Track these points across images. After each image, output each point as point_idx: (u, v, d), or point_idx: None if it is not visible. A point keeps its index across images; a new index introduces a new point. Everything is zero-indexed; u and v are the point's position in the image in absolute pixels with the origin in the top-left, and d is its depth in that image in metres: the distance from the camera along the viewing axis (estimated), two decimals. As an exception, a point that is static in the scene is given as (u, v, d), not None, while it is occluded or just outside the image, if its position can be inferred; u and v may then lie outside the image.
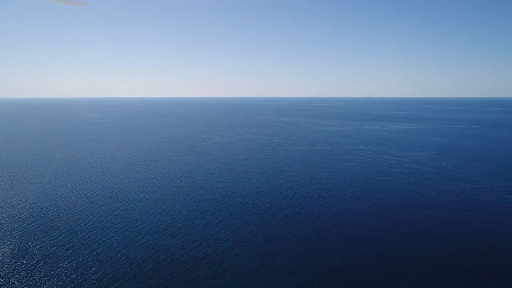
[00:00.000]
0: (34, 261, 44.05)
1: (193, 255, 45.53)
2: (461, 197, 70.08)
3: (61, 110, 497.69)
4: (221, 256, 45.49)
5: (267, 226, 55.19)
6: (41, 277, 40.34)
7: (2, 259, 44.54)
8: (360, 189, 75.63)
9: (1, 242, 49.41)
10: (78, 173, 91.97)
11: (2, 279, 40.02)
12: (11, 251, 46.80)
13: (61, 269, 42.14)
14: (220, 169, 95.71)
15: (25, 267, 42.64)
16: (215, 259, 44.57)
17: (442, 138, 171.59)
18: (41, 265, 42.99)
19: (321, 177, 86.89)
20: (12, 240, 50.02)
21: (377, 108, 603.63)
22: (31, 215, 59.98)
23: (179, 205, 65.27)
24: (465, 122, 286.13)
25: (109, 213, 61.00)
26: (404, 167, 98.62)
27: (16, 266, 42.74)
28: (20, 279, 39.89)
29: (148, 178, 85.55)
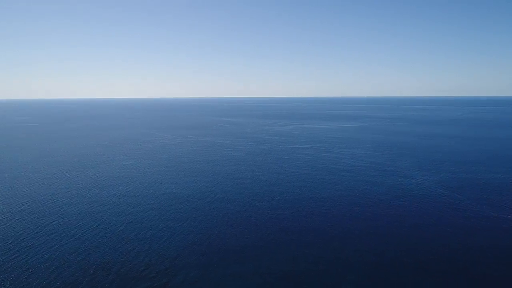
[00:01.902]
0: None
1: (134, 268, 43.01)
2: (397, 190, 74.51)
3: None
4: (165, 265, 43.53)
5: (213, 232, 54.03)
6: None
7: None
8: (306, 188, 77.28)
9: None
10: None
11: None
12: None
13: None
14: (163, 174, 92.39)
15: None
16: (158, 269, 42.51)
17: (376, 135, 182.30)
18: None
19: (267, 177, 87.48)
20: None
21: (320, 107, 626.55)
22: None
23: (118, 215, 61.59)
24: (398, 119, 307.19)
25: (37, 230, 55.72)
26: (344, 164, 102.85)
27: None
28: None
29: (83, 187, 79.86)
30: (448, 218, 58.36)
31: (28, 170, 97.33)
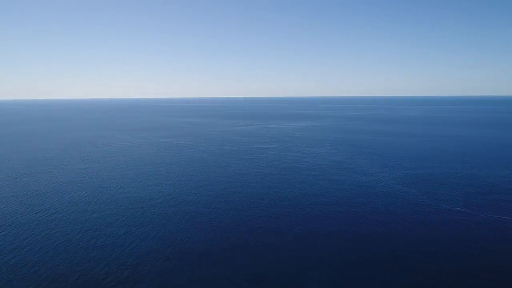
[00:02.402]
0: None
1: (93, 278, 40.79)
2: (358, 188, 76.61)
3: None
4: (126, 273, 41.68)
5: (177, 236, 52.59)
6: None
7: None
8: (270, 189, 77.45)
9: None
10: None
11: None
12: None
13: None
14: (122, 177, 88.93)
15: None
16: (119, 278, 40.61)
17: (337, 134, 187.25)
18: None
19: (230, 178, 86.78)
20: None
21: (282, 107, 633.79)
22: None
23: (74, 223, 58.35)
24: (356, 119, 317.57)
25: (-17, 239, 51.46)
26: (307, 163, 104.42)
27: None
28: None
29: (35, 194, 75.00)
30: (408, 213, 60.79)
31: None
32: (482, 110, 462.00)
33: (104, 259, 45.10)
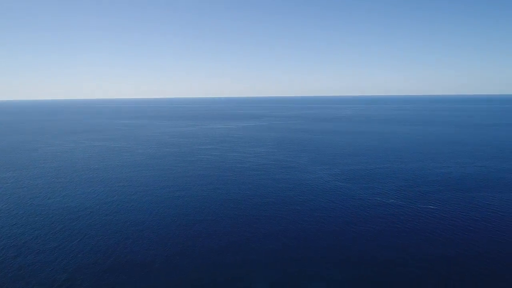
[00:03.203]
0: None
1: (19, 300, 36.50)
2: (301, 186, 78.36)
3: None
4: (59, 292, 37.97)
5: (117, 247, 49.24)
6: None
7: None
8: (214, 191, 76.13)
9: None
10: None
11: None
12: None
13: None
14: (51, 186, 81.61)
15: None
16: (50, 299, 36.84)
17: (278, 133, 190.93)
18: None
19: (172, 182, 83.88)
20: None
21: (224, 107, 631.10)
22: None
23: (-5, 237, 52.03)
24: (295, 118, 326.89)
25: None
26: (250, 163, 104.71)
27: None
28: None
29: None
30: (348, 208, 63.40)
31: None
32: (418, 108, 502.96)
33: (33, 277, 40.68)
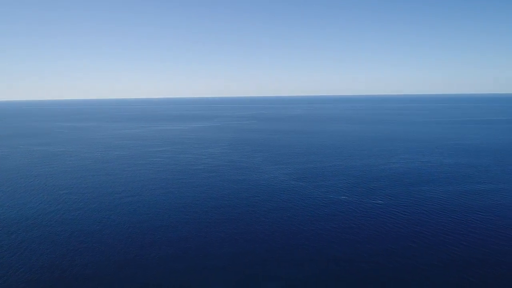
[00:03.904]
0: None
1: None
2: (256, 186, 78.26)
3: None
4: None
5: (61, 262, 45.64)
6: None
7: None
8: (167, 195, 73.61)
9: None
10: None
11: None
12: None
13: None
14: (-16, 196, 74.11)
15: None
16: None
17: (231, 133, 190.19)
18: None
19: (122, 187, 79.90)
20: None
21: (174, 108, 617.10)
22: None
23: None
24: (249, 118, 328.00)
25: None
26: (204, 164, 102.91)
27: None
28: None
29: None
30: (304, 207, 64.29)
31: None
32: (367, 107, 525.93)
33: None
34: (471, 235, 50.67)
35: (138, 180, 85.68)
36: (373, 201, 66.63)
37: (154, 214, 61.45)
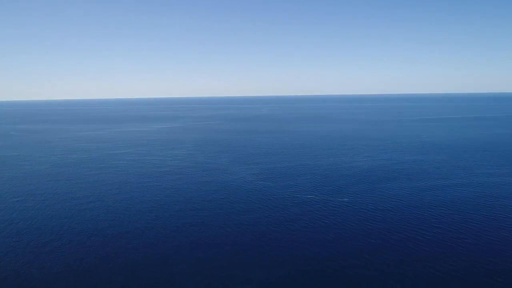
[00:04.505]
0: None
1: None
2: (224, 188, 77.12)
3: None
4: None
5: (13, 277, 42.38)
6: None
7: None
8: (130, 200, 70.78)
9: None
10: None
11: None
12: None
13: None
14: None
15: None
16: None
17: (196, 134, 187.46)
18: None
19: (82, 193, 75.91)
20: None
21: (138, 109, 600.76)
22: None
23: None
24: (214, 118, 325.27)
25: None
26: (169, 166, 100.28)
27: None
28: None
29: None
30: (273, 208, 63.97)
31: None
32: (332, 107, 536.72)
33: None
34: (433, 230, 52.60)
35: (100, 184, 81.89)
36: (340, 199, 67.68)
37: (117, 220, 58.77)
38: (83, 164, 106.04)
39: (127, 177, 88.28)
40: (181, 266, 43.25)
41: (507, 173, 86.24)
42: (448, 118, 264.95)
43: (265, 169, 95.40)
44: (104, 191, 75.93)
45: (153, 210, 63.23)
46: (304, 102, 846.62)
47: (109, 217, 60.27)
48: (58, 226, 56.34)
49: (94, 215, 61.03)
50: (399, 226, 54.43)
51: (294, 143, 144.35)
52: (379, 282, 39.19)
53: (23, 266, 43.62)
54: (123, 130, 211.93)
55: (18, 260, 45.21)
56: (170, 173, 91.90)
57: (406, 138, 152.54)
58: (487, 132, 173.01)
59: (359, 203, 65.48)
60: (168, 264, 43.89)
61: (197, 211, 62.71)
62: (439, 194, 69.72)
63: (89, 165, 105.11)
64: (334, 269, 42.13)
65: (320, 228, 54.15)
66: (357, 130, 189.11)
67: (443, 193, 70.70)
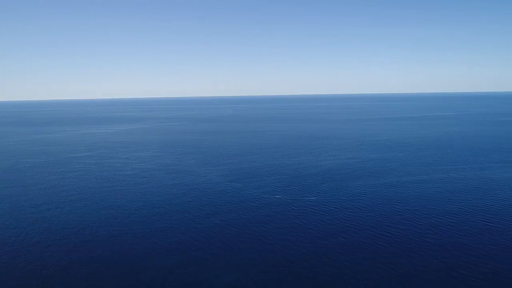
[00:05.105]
0: None
1: None
2: (191, 190, 75.40)
3: None
4: None
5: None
6: None
7: None
8: (90, 207, 67.40)
9: None
10: None
11: None
12: None
13: None
14: None
15: None
16: None
17: (160, 135, 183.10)
18: None
19: (38, 200, 71.40)
20: None
21: (102, 110, 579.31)
22: None
23: None
24: (179, 119, 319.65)
25: None
26: (132, 169, 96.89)
27: None
28: None
29: None
30: (239, 209, 63.23)
31: None
32: (300, 107, 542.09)
33: None
34: (399, 227, 54.08)
35: (59, 190, 77.51)
36: (307, 198, 68.15)
37: (77, 228, 55.68)
38: (40, 169, 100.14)
39: (88, 182, 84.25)
40: (149, 275, 41.54)
41: (462, 168, 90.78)
42: (411, 117, 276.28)
43: (233, 170, 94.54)
44: (63, 198, 71.91)
45: (116, 217, 60.55)
46: (275, 102, 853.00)
47: (68, 225, 56.99)
48: (12, 237, 52.49)
49: (51, 224, 57.50)
50: (366, 223, 55.50)
51: (261, 143, 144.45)
52: (349, 280, 39.58)
53: (-28, 282, 40.15)
54: (84, 132, 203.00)
55: (-34, 276, 41.57)
56: (134, 177, 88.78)
57: (370, 137, 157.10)
58: (447, 130, 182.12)
59: (326, 202, 66.22)
60: (134, 273, 42.01)
61: (163, 215, 60.78)
62: (402, 191, 72.02)
63: (47, 169, 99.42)
64: (305, 269, 42.11)
65: (289, 229, 54.10)
66: (322, 130, 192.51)
67: (406, 189, 73.11)
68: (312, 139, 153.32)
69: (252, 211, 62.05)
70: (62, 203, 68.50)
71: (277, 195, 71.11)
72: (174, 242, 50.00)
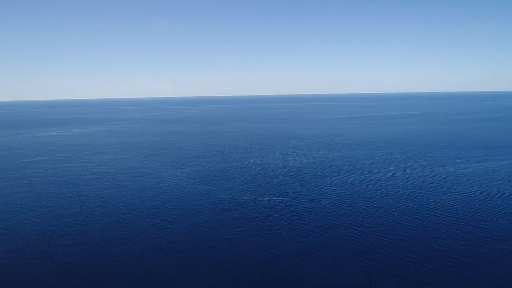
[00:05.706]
0: None
1: None
2: (156, 194, 72.95)
3: None
4: None
5: None
6: None
7: None
8: (48, 214, 63.33)
9: None
10: None
11: None
12: None
13: None
14: None
15: None
16: None
17: (123, 137, 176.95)
18: None
19: (-13, 208, 66.23)
20: None
21: (65, 112, 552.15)
22: None
23: None
24: (142, 120, 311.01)
25: None
26: (93, 173, 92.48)
27: None
28: None
29: None
30: (207, 212, 61.94)
31: None
32: (268, 107, 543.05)
33: None
34: (364, 225, 55.12)
35: (11, 198, 72.29)
36: (275, 199, 68.03)
37: (33, 239, 52.03)
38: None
39: (44, 188, 79.34)
40: (113, 285, 39.42)
41: (422, 165, 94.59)
42: (373, 116, 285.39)
43: (200, 171, 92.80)
44: (16, 206, 67.09)
45: (75, 225, 57.27)
46: (247, 102, 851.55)
47: (23, 236, 53.14)
48: (-42, 251, 48.10)
49: (3, 236, 53.36)
50: (333, 222, 56.11)
51: (227, 144, 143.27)
52: (318, 281, 39.64)
53: None
54: (40, 135, 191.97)
55: None
56: (95, 181, 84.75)
57: (334, 136, 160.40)
58: (408, 128, 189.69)
59: (295, 202, 66.42)
60: (96, 285, 39.72)
61: (128, 221, 58.26)
62: (367, 189, 73.71)
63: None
64: (275, 270, 41.73)
65: (259, 231, 53.59)
66: (289, 129, 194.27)
67: (370, 187, 74.92)
68: (276, 139, 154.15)
69: (221, 214, 60.99)
70: (15, 212, 63.87)
71: (245, 196, 70.46)
72: (141, 249, 47.96)
